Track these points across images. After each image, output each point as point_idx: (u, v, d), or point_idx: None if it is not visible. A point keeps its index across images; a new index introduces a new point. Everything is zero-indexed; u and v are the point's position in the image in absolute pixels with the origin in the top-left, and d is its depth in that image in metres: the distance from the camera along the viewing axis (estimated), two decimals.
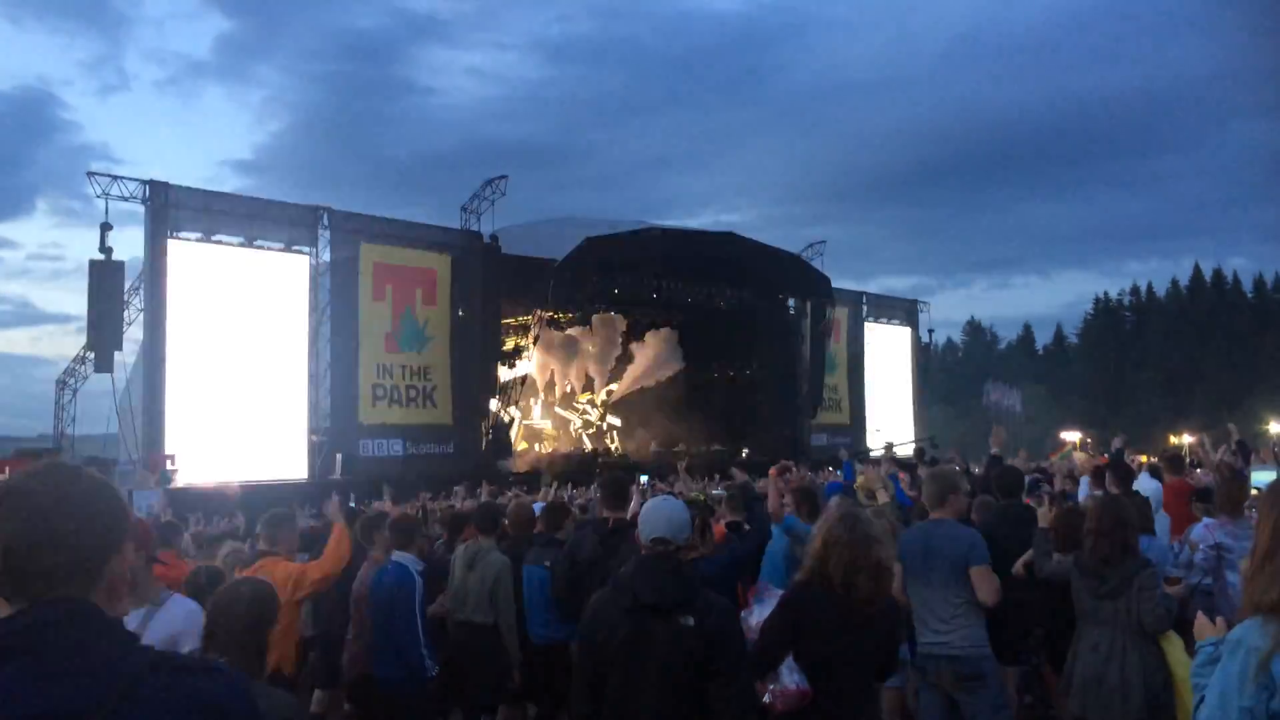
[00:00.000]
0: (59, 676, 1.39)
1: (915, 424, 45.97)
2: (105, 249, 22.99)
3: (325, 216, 27.08)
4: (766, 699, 3.69)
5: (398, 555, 6.21)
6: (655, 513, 3.67)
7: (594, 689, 3.46)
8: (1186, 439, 39.28)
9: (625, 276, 32.53)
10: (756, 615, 4.28)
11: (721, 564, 5.68)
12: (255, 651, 3.04)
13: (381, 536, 6.47)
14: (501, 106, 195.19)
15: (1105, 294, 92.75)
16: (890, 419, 44.94)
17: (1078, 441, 34.36)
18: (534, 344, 30.66)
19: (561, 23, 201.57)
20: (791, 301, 39.18)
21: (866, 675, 3.89)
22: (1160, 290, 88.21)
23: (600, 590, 3.66)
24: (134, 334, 24.39)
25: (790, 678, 3.68)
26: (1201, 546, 6.69)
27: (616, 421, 37.14)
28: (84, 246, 42.32)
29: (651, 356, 36.34)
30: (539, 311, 30.07)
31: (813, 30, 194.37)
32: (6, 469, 22.93)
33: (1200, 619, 2.56)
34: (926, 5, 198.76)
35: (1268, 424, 43.64)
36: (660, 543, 3.55)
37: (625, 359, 36.43)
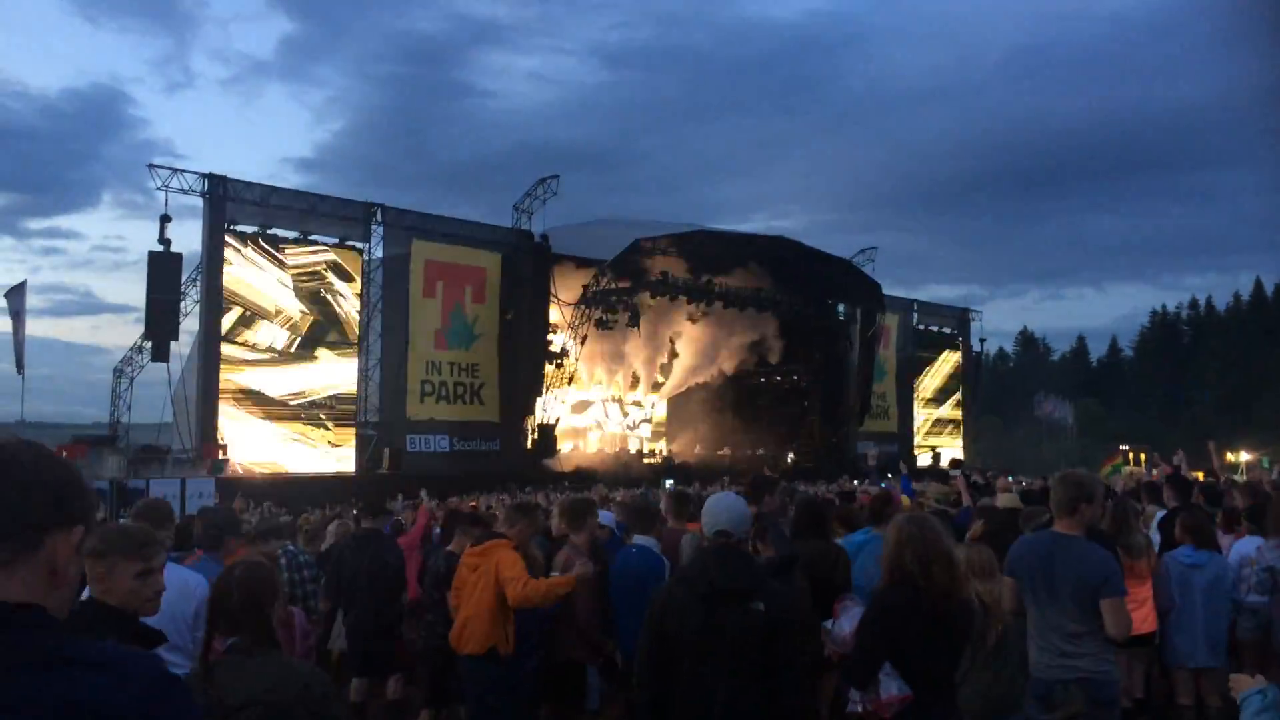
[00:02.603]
0: None
1: (964, 434, 45.51)
2: (164, 240, 23.38)
3: (379, 213, 27.38)
4: (865, 708, 3.74)
5: (639, 539, 6.28)
6: (717, 507, 3.86)
7: (659, 675, 3.62)
8: (1244, 456, 38.39)
9: (674, 277, 32.49)
10: (846, 626, 4.22)
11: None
12: (258, 628, 3.18)
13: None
14: (559, 110, 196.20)
15: (1163, 306, 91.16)
16: (939, 428, 44.59)
17: (1131, 455, 33.69)
18: (581, 343, 30.76)
19: (621, 29, 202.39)
20: (841, 307, 38.87)
21: (952, 671, 3.93)
22: (1220, 304, 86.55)
23: (664, 583, 3.86)
24: (190, 325, 24.83)
25: (891, 684, 3.72)
26: (1257, 567, 6.57)
27: (662, 423, 37.15)
28: (145, 239, 42.85)
29: (704, 341, 35.90)
30: (587, 310, 30.15)
31: (870, 40, 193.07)
32: (63, 454, 23.47)
33: (1236, 677, 2.47)
34: (984, 18, 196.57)
35: None
36: (723, 534, 3.73)
37: (674, 356, 36.30)
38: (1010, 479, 13.50)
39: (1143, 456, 33.45)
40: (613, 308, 31.02)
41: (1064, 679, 4.52)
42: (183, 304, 24.33)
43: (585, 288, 30.01)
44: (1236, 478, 17.14)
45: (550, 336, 29.58)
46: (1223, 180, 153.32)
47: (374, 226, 27.31)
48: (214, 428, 23.67)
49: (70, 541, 1.44)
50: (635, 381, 36.58)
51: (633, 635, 6.05)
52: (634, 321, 32.26)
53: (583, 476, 26.33)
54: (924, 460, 38.17)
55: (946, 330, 45.39)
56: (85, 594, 3.39)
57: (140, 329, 24.97)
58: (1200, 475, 14.67)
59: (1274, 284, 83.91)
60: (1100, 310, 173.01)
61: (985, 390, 50.39)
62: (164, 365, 24.35)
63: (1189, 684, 6.24)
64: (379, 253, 27.58)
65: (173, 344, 24.21)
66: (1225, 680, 5.57)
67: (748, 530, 3.90)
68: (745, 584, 3.58)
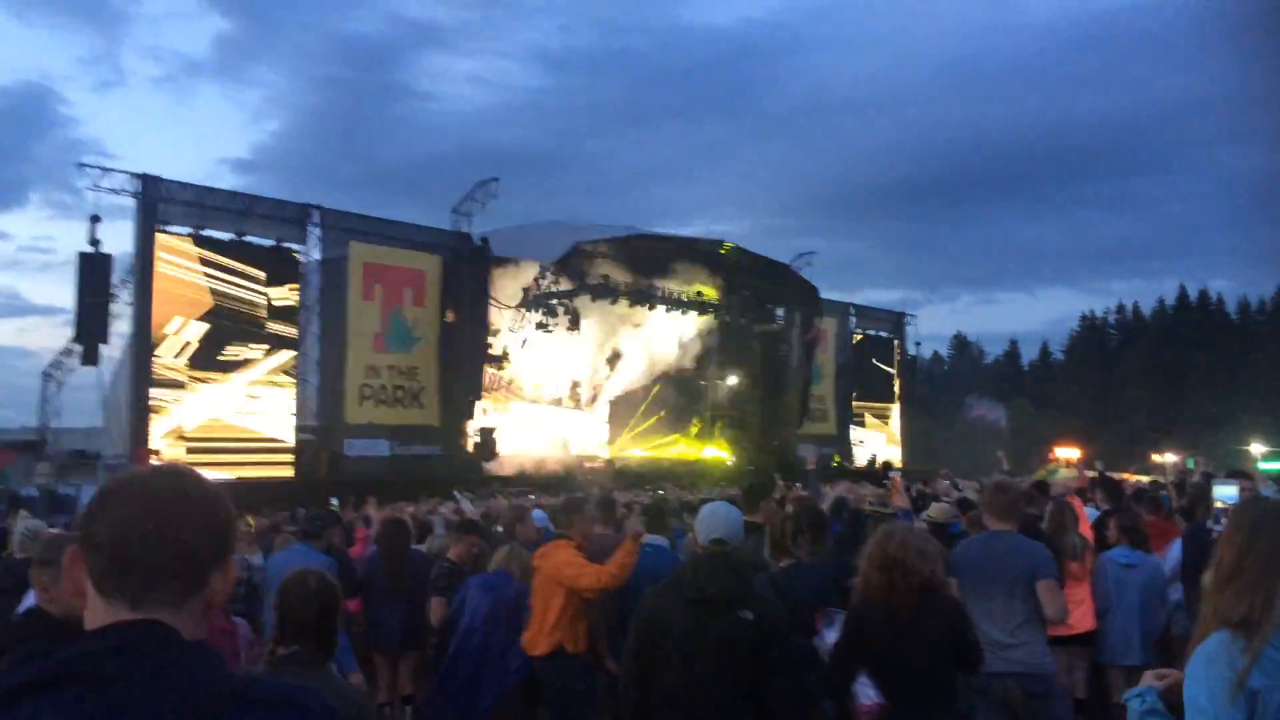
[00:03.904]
0: (123, 710, 1.24)
1: (901, 437, 46.06)
2: (94, 241, 22.89)
3: (316, 215, 26.99)
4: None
5: (653, 538, 6.30)
6: (714, 516, 3.94)
7: (643, 682, 3.68)
8: (1170, 458, 39.39)
9: (615, 280, 32.50)
10: (828, 638, 4.31)
11: (825, 575, 4.99)
12: (323, 642, 3.19)
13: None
14: (499, 114, 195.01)
15: (1091, 311, 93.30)
16: (874, 431, 45.10)
17: (1064, 460, 34.43)
18: (522, 346, 30.56)
19: (562, 33, 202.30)
20: (780, 310, 39.17)
21: (934, 677, 3.95)
22: (1146, 309, 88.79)
23: (654, 587, 3.88)
24: (121, 328, 24.26)
25: (864, 693, 3.82)
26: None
27: (603, 428, 37.10)
28: (75, 240, 41.71)
29: (645, 345, 35.75)
30: (527, 313, 30.01)
31: (808, 48, 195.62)
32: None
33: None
34: (920, 28, 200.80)
35: (1249, 444, 43.78)
36: (719, 543, 3.80)
37: (614, 359, 36.28)
38: (948, 484, 13.63)
39: (1072, 461, 34.10)
40: (553, 311, 30.95)
41: (1001, 672, 4.70)
42: (113, 306, 23.78)
43: (525, 290, 29.88)
44: (1160, 479, 17.61)
45: (490, 339, 29.41)
46: (1149, 188, 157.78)
47: (311, 228, 26.91)
48: (146, 432, 23.17)
49: (226, 578, 1.44)
50: (576, 385, 36.48)
51: None
52: (575, 324, 32.20)
53: (524, 480, 26.21)
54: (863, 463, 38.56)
55: (883, 334, 45.91)
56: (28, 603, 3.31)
57: (70, 332, 24.39)
58: (1128, 476, 15.06)
59: (1198, 290, 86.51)
60: (1031, 315, 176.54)
61: (919, 393, 51.00)
62: (94, 369, 23.82)
63: (1122, 682, 6.42)
64: (316, 255, 27.21)
65: (103, 347, 23.69)
66: None
67: (742, 539, 3.99)
68: (734, 592, 3.63)
